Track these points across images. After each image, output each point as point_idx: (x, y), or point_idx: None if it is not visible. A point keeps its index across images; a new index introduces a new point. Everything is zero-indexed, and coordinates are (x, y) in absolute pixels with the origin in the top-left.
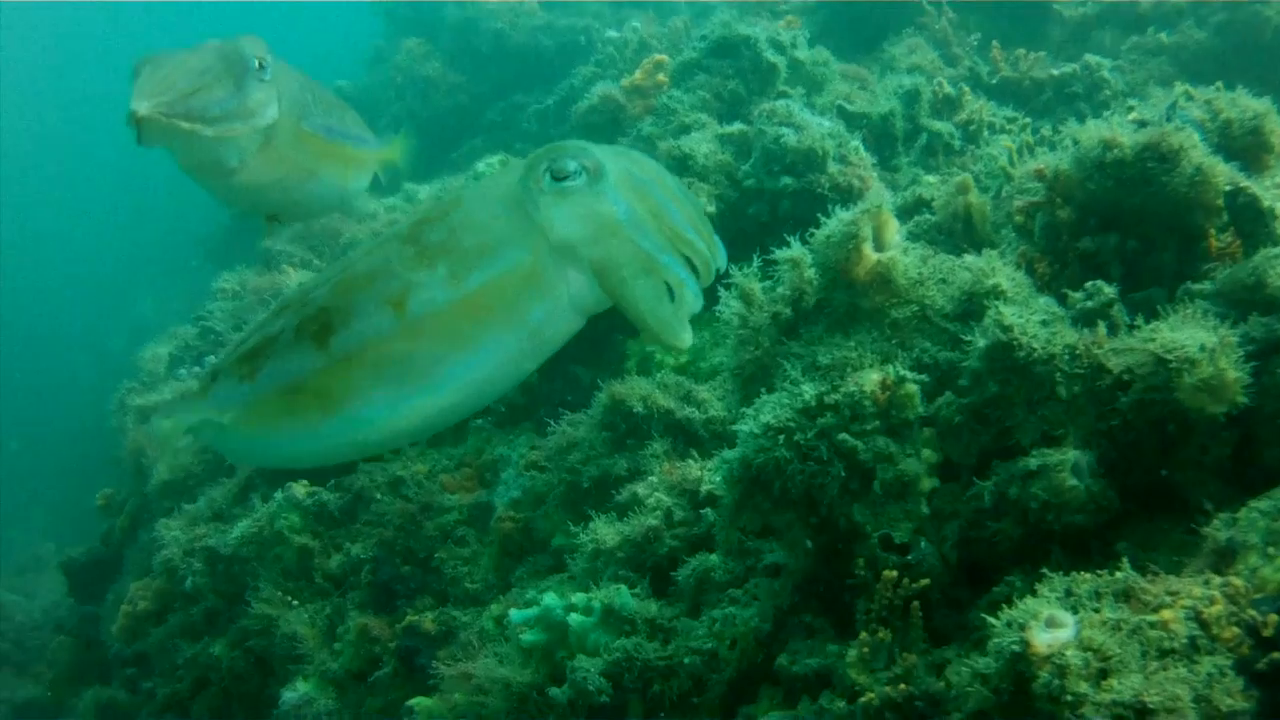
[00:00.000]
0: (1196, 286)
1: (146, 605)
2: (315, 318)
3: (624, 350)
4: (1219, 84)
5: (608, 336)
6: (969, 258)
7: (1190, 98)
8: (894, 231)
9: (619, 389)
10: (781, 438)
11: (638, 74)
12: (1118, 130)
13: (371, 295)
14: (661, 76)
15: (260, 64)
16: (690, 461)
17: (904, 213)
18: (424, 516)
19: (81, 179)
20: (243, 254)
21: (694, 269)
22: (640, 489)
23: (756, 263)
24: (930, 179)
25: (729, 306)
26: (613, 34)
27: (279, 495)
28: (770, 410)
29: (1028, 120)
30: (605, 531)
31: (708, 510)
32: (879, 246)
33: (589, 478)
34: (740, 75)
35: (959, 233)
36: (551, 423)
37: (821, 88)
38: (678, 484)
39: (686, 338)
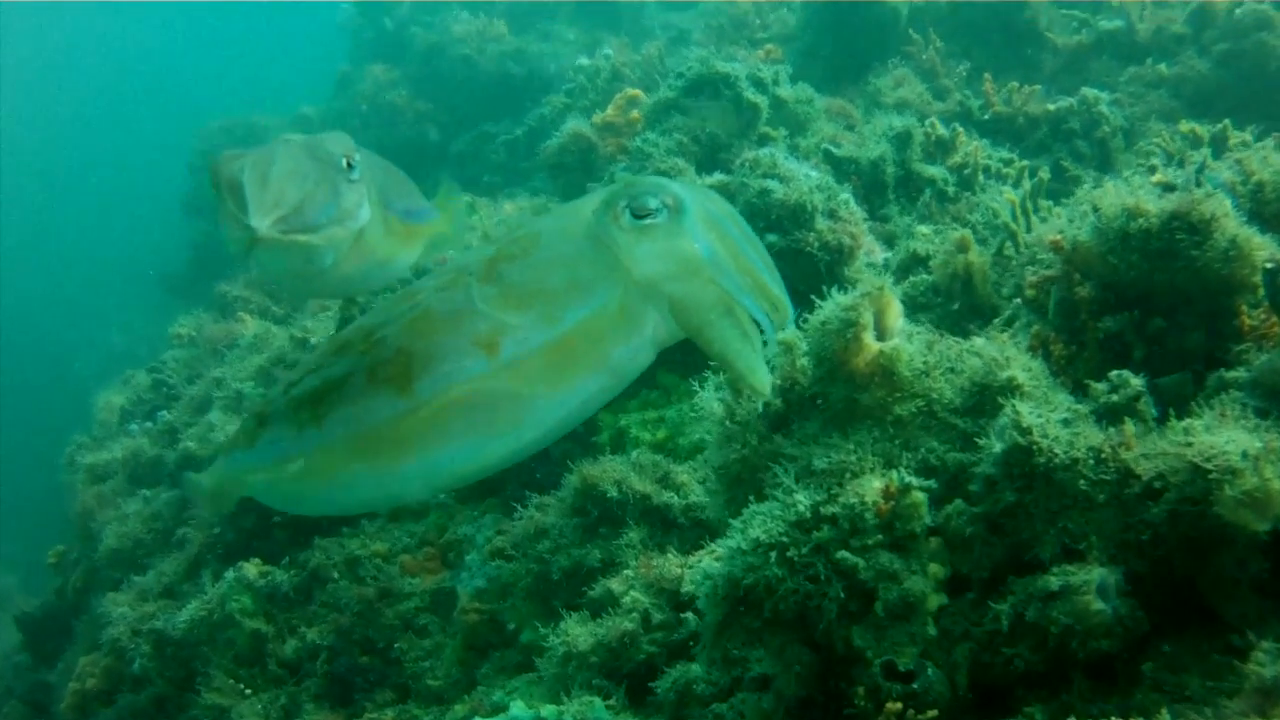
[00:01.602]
0: (1230, 375)
1: (95, 684)
2: (392, 360)
3: (596, 422)
4: (1227, 122)
5: None
6: (978, 341)
7: (1219, 155)
8: (896, 315)
9: (591, 471)
10: (773, 554)
11: (610, 110)
12: (1141, 197)
13: (457, 337)
14: (635, 114)
15: (349, 163)
16: (669, 555)
17: (898, 271)
18: (383, 603)
19: (54, 204)
20: (202, 293)
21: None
22: (615, 585)
23: None
24: (924, 230)
25: (714, 395)
26: (584, 61)
27: (230, 575)
28: (760, 523)
29: (1025, 163)
30: (577, 632)
31: (689, 615)
32: (880, 333)
33: (559, 568)
34: (720, 115)
35: (958, 294)
36: (518, 506)
37: (805, 128)
38: (655, 582)
39: (768, 382)
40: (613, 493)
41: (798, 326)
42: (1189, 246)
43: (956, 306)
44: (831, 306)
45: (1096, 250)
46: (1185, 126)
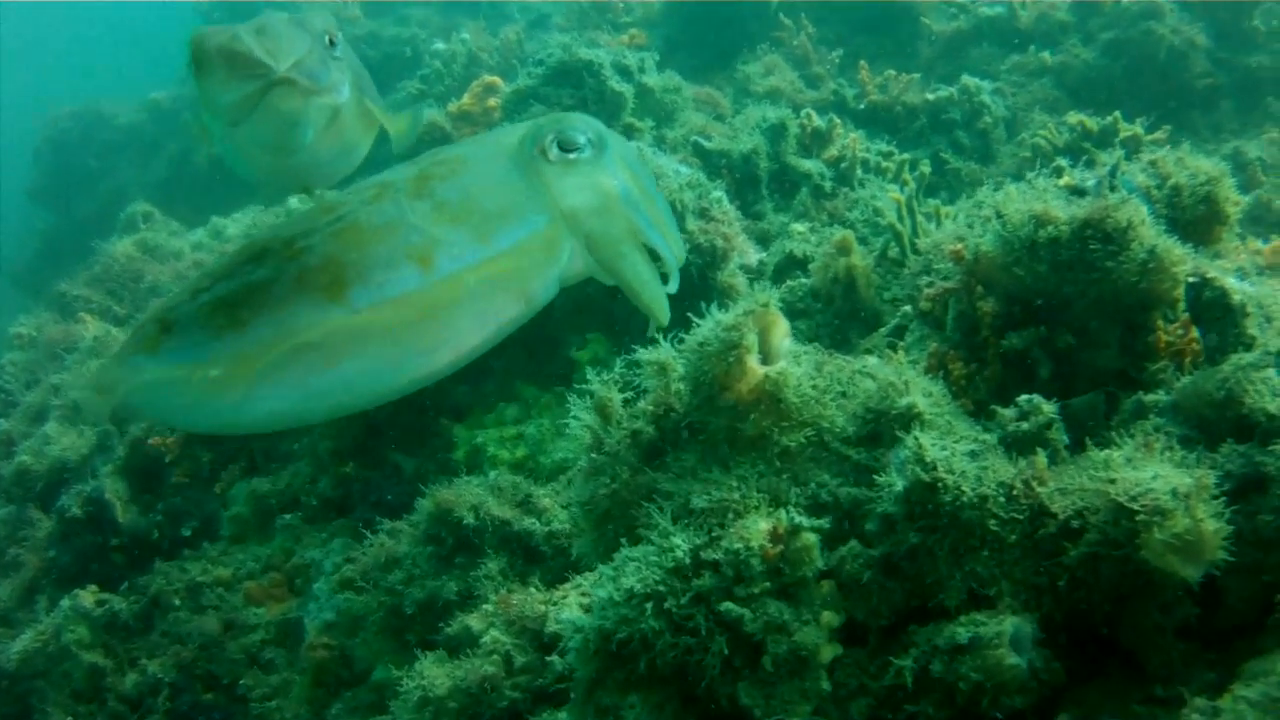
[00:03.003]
0: (1150, 398)
1: None
2: (323, 268)
3: (450, 437)
4: (1117, 114)
5: (433, 421)
6: (871, 361)
7: (1133, 158)
8: (782, 334)
9: (445, 495)
10: (649, 605)
11: (466, 98)
12: (1050, 202)
13: (391, 248)
14: (493, 101)
15: (331, 40)
16: (532, 589)
17: (774, 274)
18: (228, 635)
19: None
20: (45, 287)
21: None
22: (474, 622)
23: (619, 365)
24: (800, 228)
25: (580, 419)
26: (440, 46)
27: (65, 603)
28: (634, 571)
29: (905, 157)
30: (434, 673)
31: (554, 657)
32: (765, 355)
33: (413, 601)
34: (582, 106)
35: (839, 299)
36: (368, 534)
37: (673, 118)
38: (517, 620)
39: (668, 314)
40: (469, 519)
41: (673, 346)
42: (1103, 257)
43: (839, 313)
44: (711, 326)
45: (1001, 261)
46: (1074, 118)
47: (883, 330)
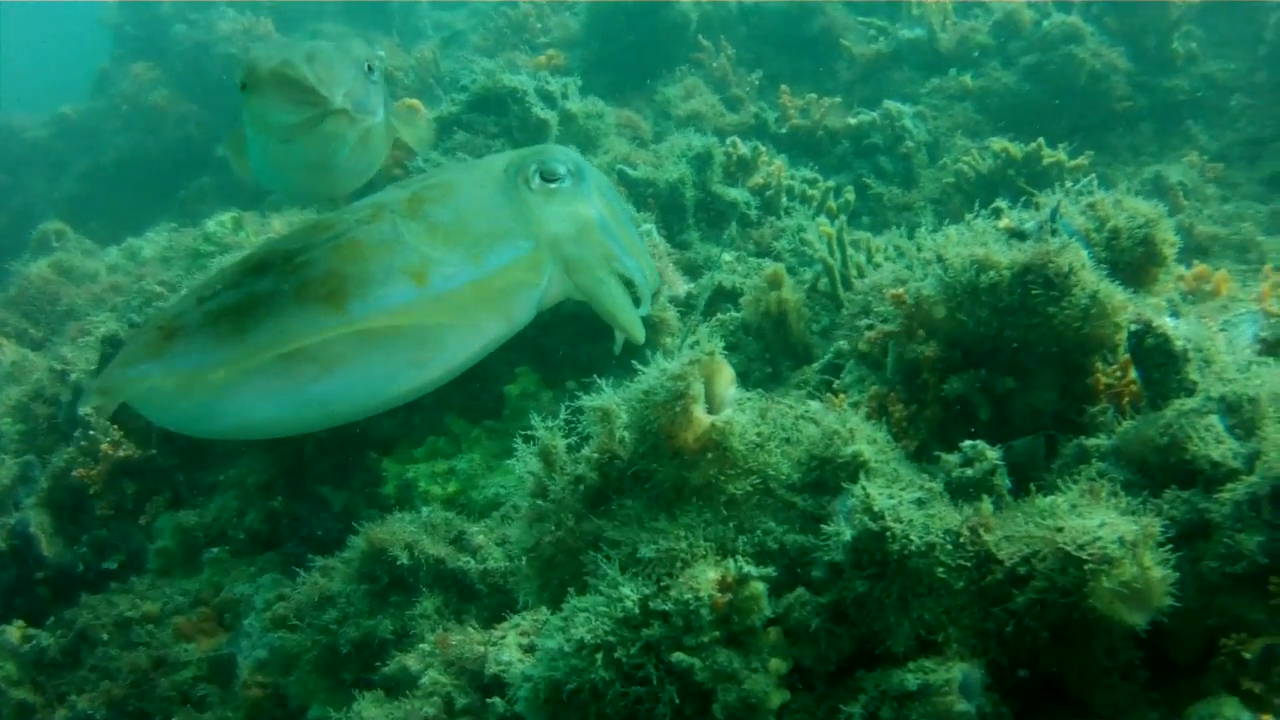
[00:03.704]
0: (1091, 443)
1: None
2: (324, 280)
3: (379, 471)
4: (1040, 140)
5: (360, 455)
6: (814, 406)
7: (1072, 197)
8: (728, 382)
9: (378, 533)
10: (599, 656)
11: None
12: (991, 247)
13: (388, 264)
14: None
15: (370, 68)
16: (469, 628)
17: (705, 307)
18: (158, 672)
19: None
20: None
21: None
22: (411, 662)
23: (563, 413)
24: (727, 257)
25: (523, 464)
26: None
27: None
28: (584, 622)
29: (830, 184)
30: (373, 714)
31: (496, 699)
32: (710, 402)
33: (348, 640)
34: (506, 134)
35: (770, 332)
36: (300, 571)
37: (596, 144)
38: (456, 661)
39: (642, 334)
40: (403, 558)
41: (614, 392)
42: (1045, 302)
43: (769, 347)
44: (656, 375)
45: (942, 306)
46: (998, 145)
47: (815, 365)
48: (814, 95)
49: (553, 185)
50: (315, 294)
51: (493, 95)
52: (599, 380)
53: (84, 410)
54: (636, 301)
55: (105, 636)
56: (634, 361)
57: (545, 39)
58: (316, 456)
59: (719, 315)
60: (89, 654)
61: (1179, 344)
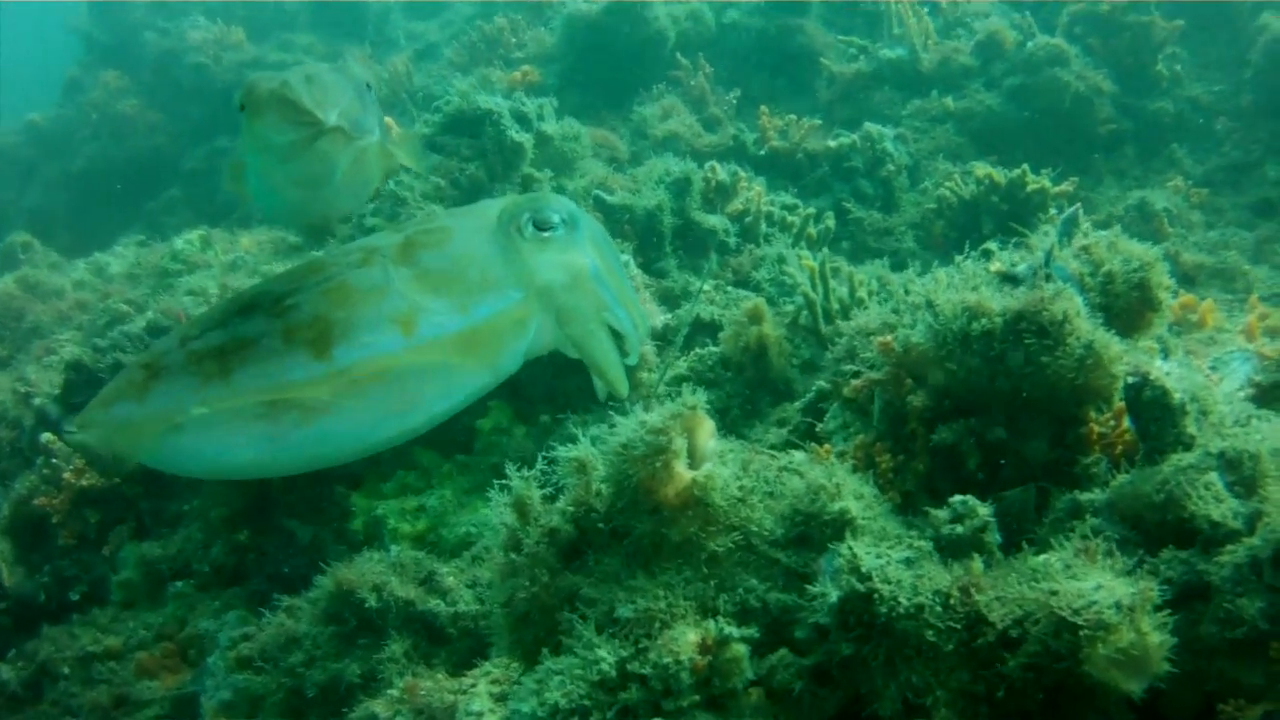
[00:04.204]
0: (1085, 497)
1: None
2: (310, 325)
3: (347, 505)
4: (1025, 167)
5: (328, 488)
6: (798, 457)
7: (1067, 243)
8: (709, 435)
9: (346, 574)
10: None
11: None
12: (983, 293)
13: (377, 311)
14: None
15: (368, 86)
16: (438, 674)
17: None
18: (119, 711)
19: None
20: None
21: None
22: (379, 708)
23: (539, 463)
24: (707, 287)
25: (497, 514)
26: None
27: None
28: (559, 685)
29: (810, 211)
30: None
31: None
32: (691, 456)
33: (314, 684)
34: (481, 156)
35: (750, 368)
36: (265, 611)
37: (572, 167)
38: (425, 709)
39: (627, 388)
40: (371, 600)
41: (583, 438)
42: (1038, 352)
43: (749, 384)
44: (635, 428)
45: (932, 354)
46: (981, 170)
47: (797, 405)
48: (793, 116)
49: (546, 234)
50: (302, 338)
51: (466, 117)
52: (573, 418)
53: (46, 438)
54: (625, 352)
55: (67, 671)
56: (611, 403)
57: (520, 54)
58: (283, 490)
59: (697, 350)
60: (50, 688)
61: (1177, 397)
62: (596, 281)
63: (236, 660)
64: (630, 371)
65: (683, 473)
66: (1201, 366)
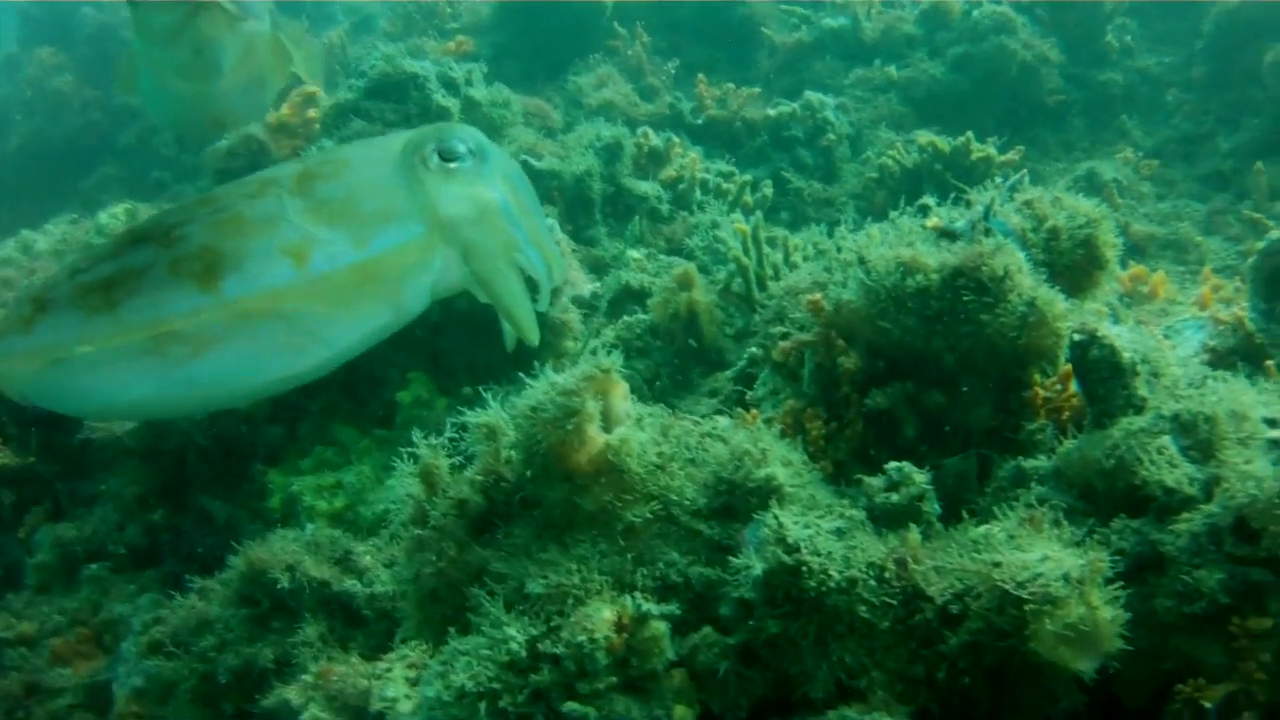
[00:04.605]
0: (1030, 464)
1: None
2: (197, 256)
3: (264, 483)
4: (969, 134)
5: (245, 465)
6: (722, 422)
7: (1010, 197)
8: (623, 396)
9: (258, 554)
10: (483, 705)
11: (285, 108)
12: (919, 248)
13: (268, 242)
14: (313, 112)
15: None
16: (353, 659)
17: (610, 308)
18: (32, 700)
19: None
20: None
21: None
22: (293, 695)
23: (448, 429)
24: (635, 254)
25: (403, 485)
26: None
27: None
28: (466, 667)
29: (746, 178)
30: None
31: None
32: (605, 420)
33: (227, 669)
34: (406, 121)
35: (680, 336)
36: (176, 594)
37: (501, 133)
38: (338, 695)
39: (536, 335)
40: (285, 581)
41: (501, 408)
42: (977, 309)
43: (679, 351)
44: (545, 390)
45: (864, 313)
46: (924, 139)
47: (728, 373)
48: (731, 85)
49: (452, 165)
50: (189, 270)
51: (392, 81)
52: (497, 389)
53: None
54: (536, 297)
55: None
56: (532, 367)
57: (455, 24)
58: (199, 466)
59: (625, 317)
60: None
61: (1126, 356)
62: (506, 217)
63: (148, 645)
64: (551, 330)
65: (596, 437)
66: (1154, 334)
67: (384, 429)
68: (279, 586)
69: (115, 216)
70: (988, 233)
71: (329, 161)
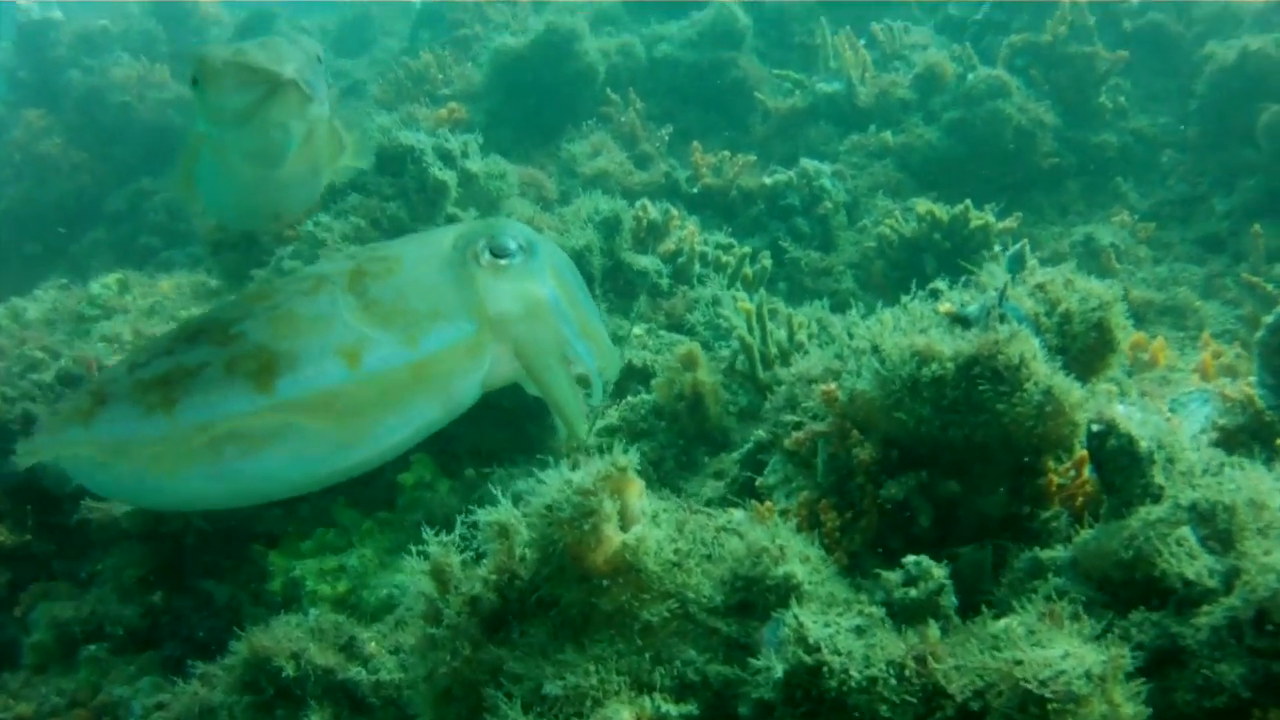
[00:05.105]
0: (1047, 555)
1: None
2: (254, 355)
3: (264, 565)
4: (967, 203)
5: (245, 547)
6: (737, 515)
7: (1020, 280)
8: (638, 494)
9: (263, 640)
10: None
11: None
12: (933, 336)
13: (322, 342)
14: None
15: (319, 58)
16: None
17: (613, 387)
18: None
19: None
20: None
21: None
22: None
23: (459, 527)
24: (638, 331)
25: (414, 583)
26: None
27: None
28: None
29: (745, 250)
30: None
31: None
32: (621, 518)
33: None
34: (403, 195)
35: (684, 417)
36: (179, 680)
37: (498, 206)
38: None
39: (585, 430)
40: (289, 669)
41: (503, 493)
42: (993, 398)
43: (683, 432)
44: (561, 488)
45: (879, 403)
46: (922, 207)
47: (734, 455)
48: (727, 153)
49: (503, 261)
50: (245, 369)
51: (388, 154)
52: (499, 472)
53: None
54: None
55: None
56: (534, 449)
57: (447, 90)
58: (198, 548)
59: (629, 398)
60: None
61: (1144, 445)
62: (555, 313)
63: None
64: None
65: (613, 537)
66: (1160, 408)
67: (386, 511)
68: (284, 674)
69: (107, 286)
70: (1001, 319)
71: (381, 259)
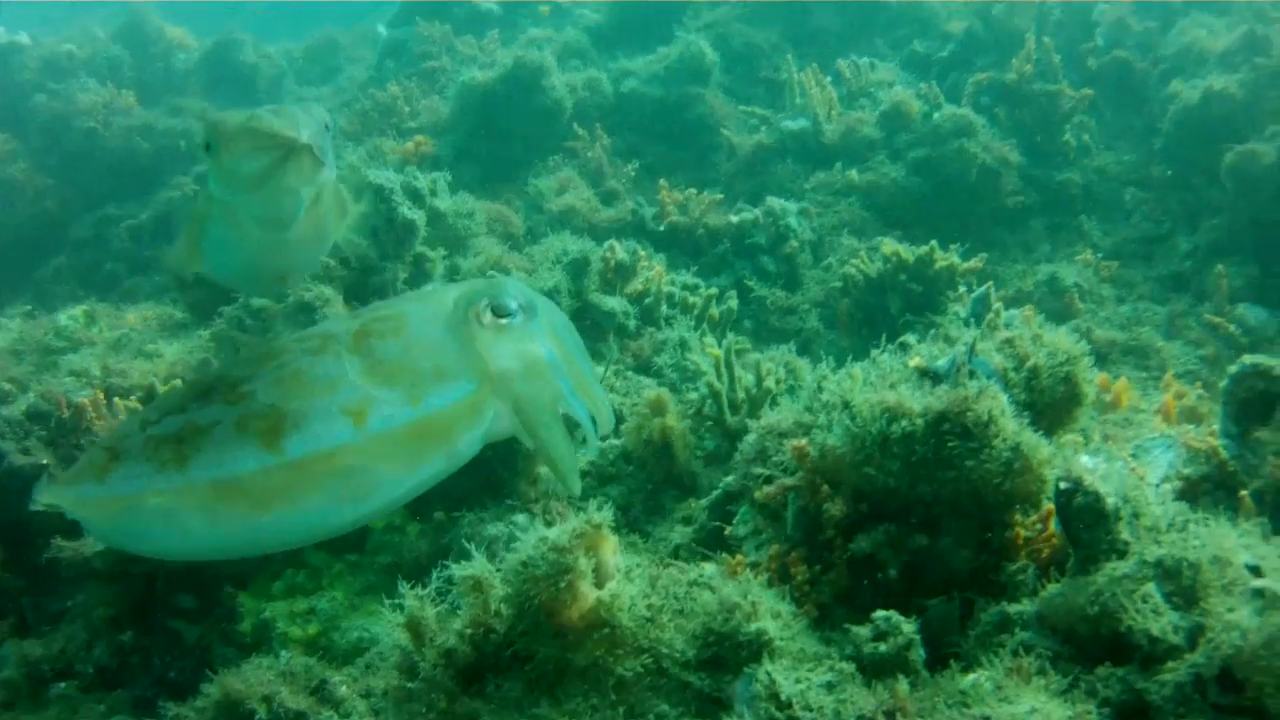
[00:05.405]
0: (1014, 609)
1: None
2: (264, 415)
3: (234, 606)
4: (933, 244)
5: (215, 587)
6: (709, 570)
7: (988, 333)
8: (613, 550)
9: (234, 683)
10: None
11: None
12: (902, 393)
13: (329, 402)
14: None
15: (327, 126)
16: None
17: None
18: None
19: None
20: None
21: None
22: None
23: (434, 580)
24: (605, 372)
25: (389, 635)
26: None
27: None
28: None
29: (712, 291)
30: None
31: None
32: (596, 574)
33: None
34: (372, 235)
35: (652, 462)
36: (149, 719)
37: (466, 245)
38: None
39: (578, 485)
40: (261, 712)
41: (485, 554)
42: (962, 455)
43: (652, 477)
44: (537, 546)
45: (849, 459)
46: (888, 248)
47: (703, 502)
48: (693, 190)
49: (504, 321)
50: (254, 429)
51: (358, 192)
52: (469, 515)
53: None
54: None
55: None
56: (503, 494)
57: (414, 123)
58: (168, 589)
59: (599, 443)
60: None
61: (1110, 502)
62: (553, 371)
63: None
64: (523, 457)
65: (588, 593)
66: (1123, 453)
67: (355, 553)
68: (256, 717)
69: (74, 318)
70: (971, 374)
71: (385, 319)
